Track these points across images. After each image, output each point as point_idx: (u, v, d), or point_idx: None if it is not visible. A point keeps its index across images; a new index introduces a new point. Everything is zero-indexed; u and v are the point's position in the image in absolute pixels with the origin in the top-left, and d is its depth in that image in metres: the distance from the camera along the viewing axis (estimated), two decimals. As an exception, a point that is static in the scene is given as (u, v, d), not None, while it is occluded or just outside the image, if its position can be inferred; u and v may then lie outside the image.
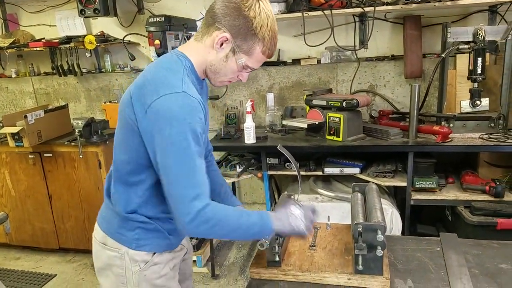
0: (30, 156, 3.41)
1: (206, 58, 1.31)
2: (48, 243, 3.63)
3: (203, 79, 1.41)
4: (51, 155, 3.39)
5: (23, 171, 3.50)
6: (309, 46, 3.12)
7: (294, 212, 1.36)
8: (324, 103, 2.80)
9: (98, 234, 1.45)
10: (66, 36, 3.55)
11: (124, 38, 3.41)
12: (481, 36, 2.52)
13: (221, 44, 1.27)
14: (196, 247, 3.22)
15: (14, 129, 3.23)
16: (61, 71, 3.64)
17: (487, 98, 2.70)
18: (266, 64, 3.38)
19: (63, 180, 3.43)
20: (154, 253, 1.39)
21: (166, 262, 1.43)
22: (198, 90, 1.31)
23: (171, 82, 1.21)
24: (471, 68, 2.60)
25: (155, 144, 1.20)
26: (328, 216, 1.79)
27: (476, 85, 2.62)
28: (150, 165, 1.27)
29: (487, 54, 2.63)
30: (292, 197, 1.55)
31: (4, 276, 3.38)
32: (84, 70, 3.73)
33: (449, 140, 2.59)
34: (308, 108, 2.95)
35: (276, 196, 3.28)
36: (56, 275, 3.34)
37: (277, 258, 1.49)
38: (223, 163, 3.09)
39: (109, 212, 1.42)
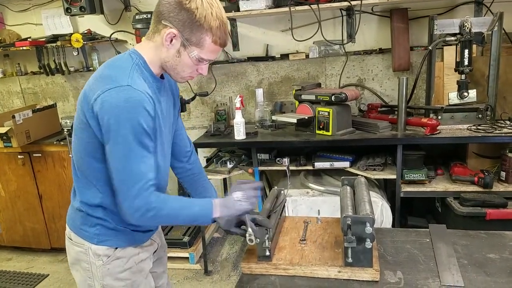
0: (19, 156, 3.39)
1: (159, 55, 1.32)
2: (39, 243, 3.62)
3: (162, 77, 1.41)
4: (40, 155, 3.38)
5: (12, 172, 3.47)
6: (297, 40, 3.12)
7: (236, 196, 1.41)
8: (313, 97, 2.81)
9: (67, 230, 1.48)
10: (53, 34, 3.51)
11: (111, 35, 3.38)
12: (468, 28, 2.54)
13: (171, 40, 1.28)
14: (189, 244, 3.23)
15: (2, 130, 3.21)
16: (48, 70, 3.59)
17: (475, 90, 2.72)
18: (254, 59, 3.38)
19: (53, 180, 3.41)
20: (116, 248, 1.41)
21: (130, 256, 1.44)
22: (153, 87, 1.33)
23: (116, 77, 1.23)
24: (458, 60, 2.62)
25: (104, 139, 1.23)
26: (318, 210, 1.80)
27: (463, 76, 2.64)
28: (101, 165, 1.30)
29: (474, 46, 2.66)
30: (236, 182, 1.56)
31: (-4, 277, 3.36)
32: (71, 69, 3.69)
33: (438, 132, 2.61)
34: (297, 103, 2.95)
35: (267, 191, 3.28)
36: (48, 275, 3.33)
37: (267, 253, 1.50)
38: (214, 160, 3.09)
39: (73, 209, 1.45)
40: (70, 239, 1.45)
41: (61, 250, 3.58)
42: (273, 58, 3.36)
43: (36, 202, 3.50)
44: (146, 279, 1.51)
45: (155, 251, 1.60)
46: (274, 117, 2.98)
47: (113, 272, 1.41)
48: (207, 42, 1.28)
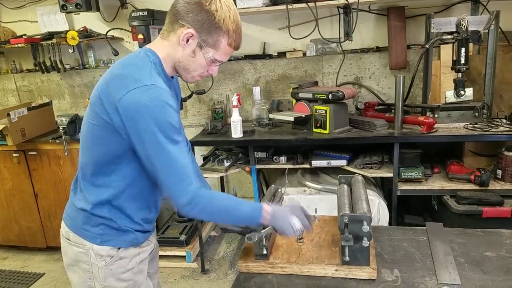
0: (14, 154, 3.37)
1: (173, 55, 1.33)
2: (35, 242, 3.60)
3: (172, 77, 1.41)
4: (35, 153, 3.35)
5: (7, 170, 3.45)
6: (294, 38, 3.11)
7: (294, 222, 1.37)
8: (310, 96, 2.80)
9: (63, 230, 1.46)
10: (48, 32, 3.48)
11: (107, 33, 3.36)
12: (464, 26, 2.54)
13: (187, 40, 1.29)
14: (186, 243, 3.22)
15: (-3, 128, 3.18)
16: (43, 67, 3.58)
17: (471, 88, 2.72)
18: (251, 57, 3.37)
19: (48, 178, 3.39)
20: (119, 248, 1.40)
21: (132, 256, 1.44)
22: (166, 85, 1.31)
23: (139, 76, 1.23)
24: (455, 58, 2.63)
25: (135, 139, 1.23)
26: (316, 209, 1.79)
27: (460, 75, 2.64)
28: (114, 162, 1.32)
29: (470, 44, 2.65)
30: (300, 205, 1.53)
31: (-8, 276, 3.34)
32: (67, 67, 3.67)
33: (434, 130, 2.61)
34: (294, 101, 2.94)
35: (264, 190, 3.28)
36: (44, 274, 3.32)
37: (264, 252, 1.50)
38: (211, 158, 3.08)
39: (73, 209, 1.42)
40: (68, 239, 1.42)
41: (57, 249, 3.54)
42: (270, 56, 3.35)
43: (31, 201, 3.48)
44: (147, 280, 1.51)
45: (151, 252, 1.60)
46: (271, 115, 2.97)
47: (115, 273, 1.40)
48: (223, 44, 1.31)
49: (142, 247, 1.48)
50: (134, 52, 1.37)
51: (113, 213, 1.37)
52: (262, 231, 1.42)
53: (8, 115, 3.13)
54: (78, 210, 1.39)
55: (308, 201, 2.71)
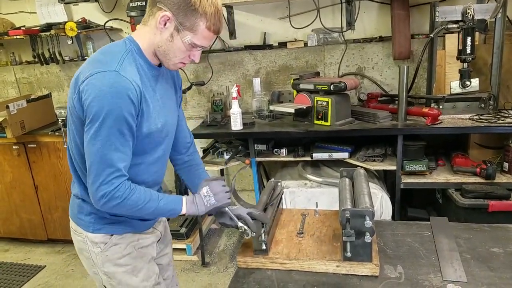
0: (14, 147, 3.35)
1: (153, 40, 1.30)
2: (36, 235, 3.60)
3: (160, 65, 1.38)
4: (35, 145, 3.34)
5: (7, 163, 3.43)
6: (295, 28, 3.05)
7: (203, 192, 1.42)
8: (311, 87, 2.75)
9: (70, 220, 1.50)
10: (47, 23, 3.43)
11: (105, 24, 3.31)
12: (470, 15, 2.47)
13: (164, 24, 1.27)
14: (186, 235, 3.20)
15: (-4, 120, 3.15)
16: (42, 59, 3.53)
17: (477, 79, 2.66)
18: (251, 48, 3.31)
19: (48, 171, 3.38)
20: (112, 235, 1.41)
21: (128, 242, 1.44)
22: (147, 75, 1.32)
23: (106, 62, 1.23)
24: (460, 48, 2.56)
25: (87, 120, 1.22)
26: (316, 203, 1.76)
27: (465, 65, 2.58)
28: None
29: (477, 33, 2.59)
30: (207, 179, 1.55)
31: (-7, 268, 3.35)
32: (66, 58, 3.63)
33: (439, 122, 2.56)
34: (295, 92, 2.89)
35: (264, 182, 3.24)
36: (45, 266, 3.32)
37: (263, 247, 1.47)
38: (210, 151, 3.04)
39: (72, 198, 1.47)
40: (72, 228, 1.48)
41: (58, 241, 3.56)
42: (270, 47, 3.29)
43: (32, 193, 3.47)
44: (149, 264, 1.51)
45: (159, 240, 1.60)
46: (271, 107, 2.93)
47: (112, 258, 1.42)
48: (201, 28, 1.27)
49: (143, 233, 1.49)
50: (115, 41, 1.36)
51: None
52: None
53: (7, 107, 3.10)
54: (74, 199, 1.45)
55: (309, 194, 2.68)
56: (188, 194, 1.48)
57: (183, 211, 1.38)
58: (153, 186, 1.47)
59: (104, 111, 1.17)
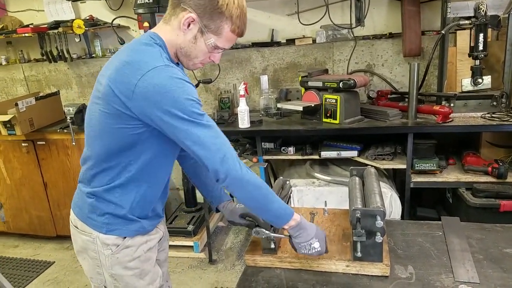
0: (23, 144, 3.37)
1: (175, 41, 1.29)
2: (45, 231, 3.62)
3: (178, 63, 1.37)
4: (44, 143, 3.35)
5: (17, 160, 3.46)
6: (304, 25, 3.03)
7: (314, 245, 1.34)
8: (320, 84, 2.72)
9: (72, 218, 1.46)
10: (55, 21, 3.44)
11: (112, 21, 3.31)
12: (483, 11, 2.43)
13: (188, 25, 1.25)
14: (193, 233, 3.19)
15: (5, 117, 3.18)
16: (50, 57, 3.54)
17: (489, 76, 2.61)
18: (259, 45, 3.29)
19: (57, 168, 3.39)
20: (125, 237, 1.39)
21: (139, 245, 1.42)
22: None
23: (149, 59, 1.20)
24: (472, 44, 2.52)
25: (159, 122, 1.19)
26: (325, 202, 1.73)
27: (477, 62, 2.54)
28: (129, 147, 1.28)
29: (489, 30, 2.54)
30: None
31: (3, 264, 3.39)
32: (74, 56, 3.64)
33: (450, 120, 2.52)
34: (303, 90, 2.87)
35: (272, 181, 3.22)
36: (54, 262, 3.35)
37: (272, 245, 1.46)
38: (218, 149, 3.02)
39: (81, 198, 1.42)
40: (76, 227, 1.43)
41: (67, 237, 3.54)
42: (278, 44, 3.26)
43: (41, 190, 3.49)
44: (154, 268, 1.50)
45: (160, 239, 1.58)
46: (279, 105, 2.90)
47: (122, 261, 1.39)
48: (225, 31, 1.26)
49: (150, 235, 1.47)
50: (139, 37, 1.33)
51: (122, 197, 1.35)
52: (271, 233, 1.39)
53: (16, 104, 3.12)
54: (85, 199, 1.39)
55: (317, 193, 2.66)
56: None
57: (285, 227, 1.33)
58: (166, 185, 1.47)
59: (177, 104, 1.15)
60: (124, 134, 1.25)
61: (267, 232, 1.39)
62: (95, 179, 1.37)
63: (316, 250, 1.34)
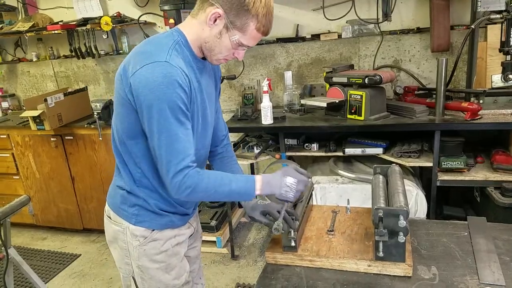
0: (52, 139, 3.47)
1: (200, 34, 1.30)
2: (72, 224, 3.72)
3: (204, 58, 1.37)
4: (72, 137, 3.44)
5: (46, 154, 3.55)
6: (329, 20, 2.99)
7: (288, 181, 1.36)
8: (345, 80, 2.69)
9: (106, 208, 1.51)
10: (83, 18, 3.51)
11: (139, 18, 3.35)
12: (515, 4, 2.34)
13: (215, 20, 1.26)
14: (216, 228, 3.22)
15: (35, 113, 3.27)
16: (79, 53, 3.63)
17: (521, 72, 2.53)
18: (283, 40, 3.27)
19: (84, 162, 3.47)
20: (153, 230, 1.42)
21: (167, 238, 1.45)
22: (193, 67, 1.32)
23: (155, 53, 1.22)
24: (503, 39, 2.43)
25: (143, 114, 1.22)
26: (348, 200, 1.71)
27: (509, 57, 2.45)
28: (137, 140, 1.32)
29: (522, 24, 2.45)
30: (292, 165, 1.50)
31: (32, 255, 3.49)
32: (102, 52, 3.71)
33: (479, 117, 2.45)
34: (328, 86, 2.84)
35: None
36: (80, 255, 3.43)
37: (293, 243, 1.45)
38: (241, 145, 3.04)
39: (114, 188, 1.47)
40: (109, 217, 1.48)
41: (93, 231, 3.67)
42: (303, 39, 3.24)
43: (68, 184, 3.58)
44: (181, 262, 1.52)
45: (191, 235, 1.60)
46: (303, 101, 2.88)
47: (149, 254, 1.42)
48: (251, 28, 1.26)
49: (180, 229, 1.49)
50: (162, 32, 1.36)
51: (147, 194, 1.39)
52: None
53: (45, 100, 3.20)
54: (117, 189, 1.44)
55: (341, 191, 2.63)
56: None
57: (257, 192, 1.34)
58: None
59: (160, 102, 1.18)
60: (130, 124, 1.29)
61: (283, 223, 1.38)
62: (121, 172, 1.41)
63: (294, 185, 1.35)
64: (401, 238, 1.27)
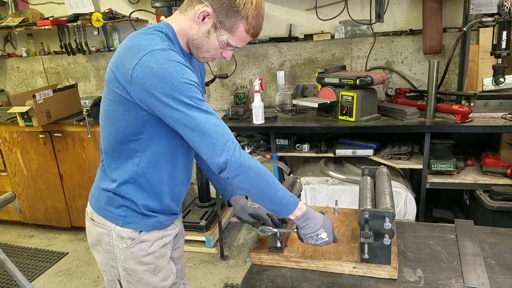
0: (40, 135, 3.43)
1: (188, 31, 1.27)
2: (60, 222, 3.68)
3: (191, 54, 1.34)
4: (60, 134, 3.40)
5: (34, 151, 3.51)
6: (322, 20, 2.97)
7: (321, 235, 1.33)
8: (336, 81, 2.67)
9: (88, 210, 1.46)
10: (74, 14, 3.47)
11: (130, 15, 3.32)
12: (507, 8, 2.34)
13: (203, 19, 1.23)
14: (206, 228, 3.20)
15: (23, 109, 3.23)
16: (69, 49, 3.59)
17: (512, 75, 2.53)
18: (276, 40, 3.25)
19: (73, 160, 3.44)
20: (141, 231, 1.38)
21: (154, 240, 1.41)
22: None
23: (149, 44, 1.18)
24: (495, 42, 2.43)
25: (157, 106, 1.17)
26: (336, 201, 1.70)
27: (500, 61, 2.45)
28: (134, 138, 1.27)
29: (513, 28, 2.45)
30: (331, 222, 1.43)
31: (18, 253, 3.45)
32: (93, 49, 3.67)
33: (469, 120, 2.45)
34: (320, 86, 2.82)
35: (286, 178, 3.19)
36: (68, 253, 3.40)
37: (278, 244, 1.44)
38: (232, 144, 3.01)
39: (98, 190, 1.42)
40: (92, 219, 1.42)
41: (81, 229, 3.63)
42: (296, 39, 3.22)
43: (57, 181, 3.54)
44: (168, 264, 1.49)
45: (176, 236, 1.58)
46: (294, 101, 2.87)
47: (136, 256, 1.38)
48: (240, 30, 1.24)
49: (166, 230, 1.46)
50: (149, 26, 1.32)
51: (136, 192, 1.35)
52: (276, 229, 1.38)
53: (34, 96, 3.16)
54: (102, 190, 1.39)
55: (331, 192, 2.62)
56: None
57: (290, 216, 1.30)
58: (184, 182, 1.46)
59: (174, 87, 1.13)
60: (128, 123, 1.25)
61: (273, 229, 1.37)
62: (109, 172, 1.37)
63: (323, 240, 1.32)
64: (386, 240, 1.26)
